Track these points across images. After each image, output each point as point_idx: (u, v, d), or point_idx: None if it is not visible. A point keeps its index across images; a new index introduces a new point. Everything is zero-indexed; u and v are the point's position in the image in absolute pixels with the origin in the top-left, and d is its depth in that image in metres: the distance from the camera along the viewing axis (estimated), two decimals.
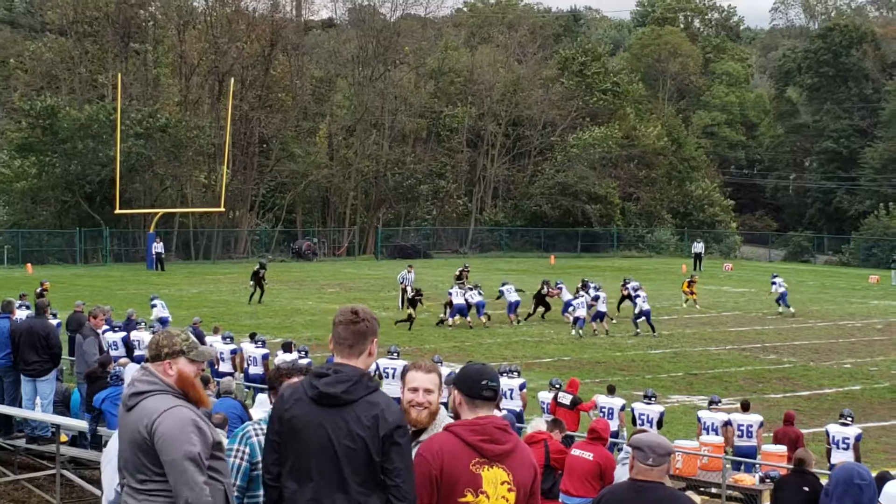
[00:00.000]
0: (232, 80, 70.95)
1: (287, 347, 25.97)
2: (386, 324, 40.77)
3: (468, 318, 41.27)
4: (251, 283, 47.75)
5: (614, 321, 42.54)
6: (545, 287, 43.97)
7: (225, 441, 6.90)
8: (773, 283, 49.79)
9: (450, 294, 42.19)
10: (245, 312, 43.96)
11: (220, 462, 6.47)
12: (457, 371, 6.52)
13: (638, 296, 41.70)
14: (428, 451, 6.11)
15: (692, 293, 49.86)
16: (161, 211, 69.37)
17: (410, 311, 41.58)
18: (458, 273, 49.87)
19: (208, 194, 74.20)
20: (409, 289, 46.30)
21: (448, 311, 41.60)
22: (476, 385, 6.27)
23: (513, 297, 43.20)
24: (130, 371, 9.23)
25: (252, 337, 27.86)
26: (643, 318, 40.45)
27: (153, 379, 6.48)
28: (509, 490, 6.15)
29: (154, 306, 35.87)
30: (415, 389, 6.58)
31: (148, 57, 76.10)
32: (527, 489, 6.26)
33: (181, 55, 77.30)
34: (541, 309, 43.70)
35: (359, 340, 6.26)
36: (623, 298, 44.60)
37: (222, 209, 69.89)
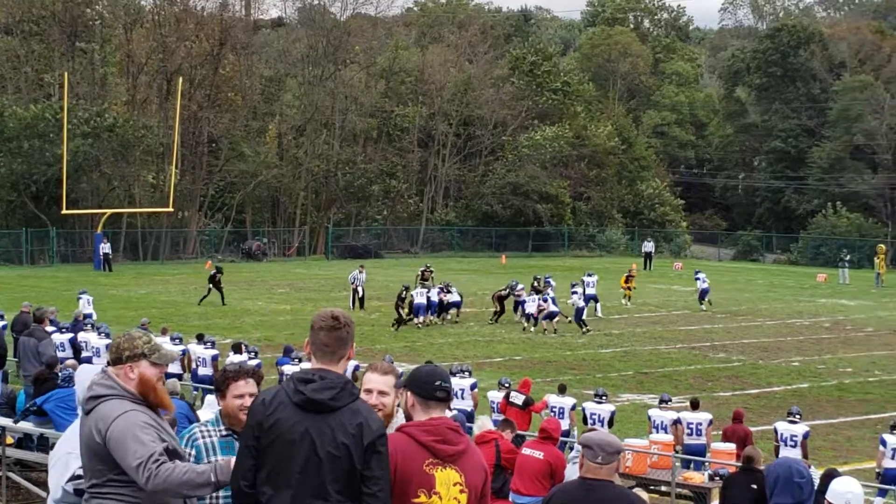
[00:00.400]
0: (180, 79, 70.51)
1: (237, 348, 25.80)
2: None
3: (421, 319, 41.21)
4: (209, 286, 47.31)
5: (568, 319, 42.48)
6: (508, 290, 43.97)
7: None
8: (697, 279, 50.24)
9: (412, 294, 42.16)
10: (194, 313, 43.69)
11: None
12: (408, 373, 6.45)
13: (575, 293, 41.79)
14: None
15: (629, 288, 50.07)
16: (108, 211, 68.82)
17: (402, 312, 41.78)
18: (420, 273, 49.69)
19: (156, 194, 73.70)
20: (360, 289, 46.24)
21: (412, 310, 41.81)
22: (429, 386, 6.23)
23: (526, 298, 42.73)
24: (82, 374, 9.09)
25: (199, 338, 27.66)
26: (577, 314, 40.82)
27: (111, 383, 6.38)
28: (461, 491, 6.12)
29: (80, 299, 35.73)
30: (369, 391, 6.55)
31: (95, 56, 75.42)
32: (478, 491, 6.23)
33: (129, 54, 76.75)
34: (497, 308, 43.60)
35: (340, 346, 6.16)
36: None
37: (171, 209, 69.47)
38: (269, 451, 6.00)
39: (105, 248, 64.29)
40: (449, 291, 43.26)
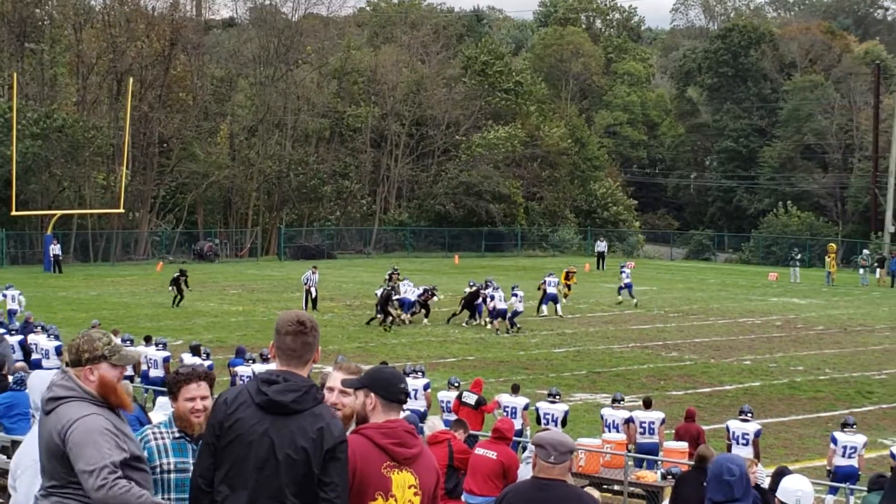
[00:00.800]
0: (131, 79, 70.02)
1: (196, 350, 25.71)
2: None
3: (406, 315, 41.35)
4: (171, 287, 46.96)
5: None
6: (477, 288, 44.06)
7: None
8: (622, 272, 50.64)
9: (377, 293, 42.17)
10: (145, 315, 43.42)
11: (141, 474, 6.28)
12: (368, 373, 6.40)
13: (515, 295, 41.71)
14: None
15: (568, 286, 50.22)
16: (59, 212, 68.25)
17: (397, 312, 42.01)
18: (388, 276, 49.30)
19: (107, 195, 73.19)
20: (313, 289, 46.09)
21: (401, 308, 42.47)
22: (394, 389, 6.26)
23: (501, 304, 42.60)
24: (35, 378, 8.96)
25: (147, 340, 27.50)
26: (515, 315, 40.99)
27: (71, 385, 6.29)
28: (415, 494, 6.14)
29: (4, 297, 35.48)
30: (331, 389, 6.57)
31: (44, 56, 74.80)
32: (430, 493, 6.26)
33: (78, 55, 76.18)
34: (466, 312, 43.43)
35: (306, 350, 6.16)
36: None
37: (121, 210, 69.04)
38: (228, 450, 5.97)
39: (55, 249, 63.74)
40: (433, 295, 43.59)
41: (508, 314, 40.84)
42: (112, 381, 6.36)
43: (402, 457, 6.10)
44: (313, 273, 46.73)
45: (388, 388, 6.26)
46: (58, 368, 6.53)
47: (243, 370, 24.08)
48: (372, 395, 6.25)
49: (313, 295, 46.15)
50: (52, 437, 6.15)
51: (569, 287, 50.32)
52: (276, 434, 5.90)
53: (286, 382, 5.98)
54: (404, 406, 6.54)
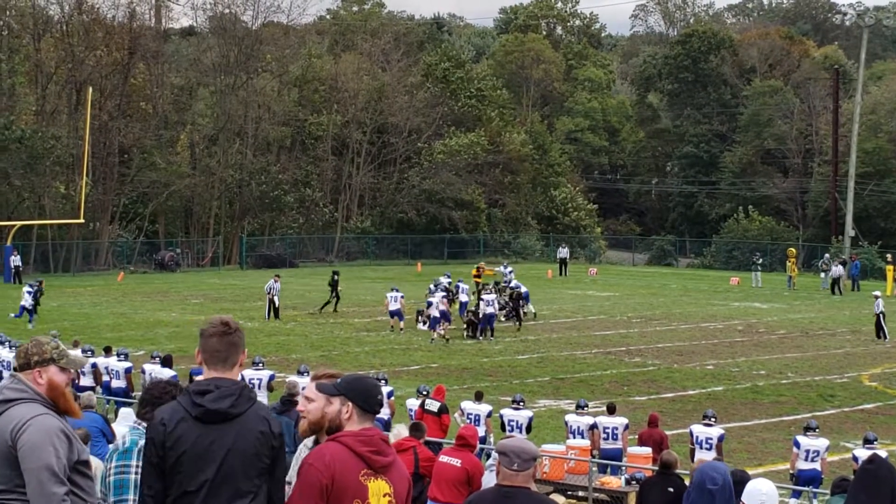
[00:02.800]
0: (90, 89, 69.62)
1: (167, 362, 25.62)
2: (252, 334, 40.36)
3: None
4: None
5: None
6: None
7: (93, 460, 6.64)
8: (506, 272, 50.94)
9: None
10: (106, 325, 43.17)
11: (86, 480, 6.24)
12: (347, 381, 6.36)
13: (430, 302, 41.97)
14: (319, 461, 6.00)
15: (478, 284, 50.41)
16: (18, 223, 67.77)
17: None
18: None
19: (67, 206, 72.69)
20: (275, 299, 45.94)
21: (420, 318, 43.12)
22: (372, 399, 6.26)
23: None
24: None
25: (107, 351, 27.31)
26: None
27: (22, 387, 6.25)
28: (390, 502, 6.15)
29: None
30: (304, 397, 6.57)
31: (2, 66, 74.28)
32: (403, 502, 6.27)
33: (37, 64, 75.71)
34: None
35: (232, 352, 6.14)
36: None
37: (81, 221, 68.59)
38: (176, 469, 5.91)
39: (15, 260, 63.24)
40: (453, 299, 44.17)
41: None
42: (60, 385, 6.34)
43: (378, 465, 6.09)
44: (276, 282, 46.55)
45: (367, 398, 6.24)
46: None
47: None
48: (349, 403, 6.22)
49: (276, 304, 45.99)
50: (3, 438, 6.08)
51: (478, 285, 49.73)
52: (219, 443, 5.87)
53: (218, 389, 5.95)
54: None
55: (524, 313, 45.47)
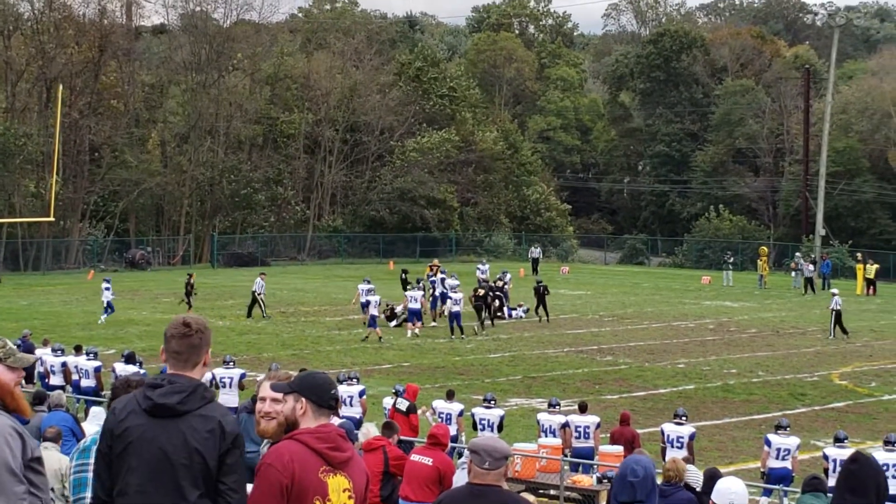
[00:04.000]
0: (60, 86, 69.10)
1: (130, 359, 25.47)
2: (223, 333, 40.25)
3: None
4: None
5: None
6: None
7: (61, 457, 6.57)
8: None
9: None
10: (76, 324, 42.97)
11: (39, 477, 6.14)
12: (299, 378, 6.34)
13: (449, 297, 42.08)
14: (278, 461, 5.95)
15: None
16: None
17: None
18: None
19: (37, 204, 72.25)
20: (262, 296, 45.84)
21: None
22: (325, 394, 6.21)
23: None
24: None
25: (77, 349, 27.18)
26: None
27: None
28: (350, 497, 6.12)
29: None
30: (263, 399, 6.57)
31: None
32: (362, 496, 6.25)
33: (7, 61, 75.24)
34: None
35: (193, 352, 6.12)
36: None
37: (52, 219, 68.03)
38: (122, 458, 5.94)
39: None
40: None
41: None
42: (8, 384, 6.23)
43: (336, 461, 6.06)
44: (261, 280, 46.55)
45: (320, 393, 6.21)
46: None
47: None
48: (303, 399, 6.19)
49: (260, 302, 45.98)
50: None
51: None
52: (166, 438, 5.87)
53: (171, 385, 5.96)
54: (339, 412, 6.48)
55: (499, 314, 45.78)
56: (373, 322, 40.06)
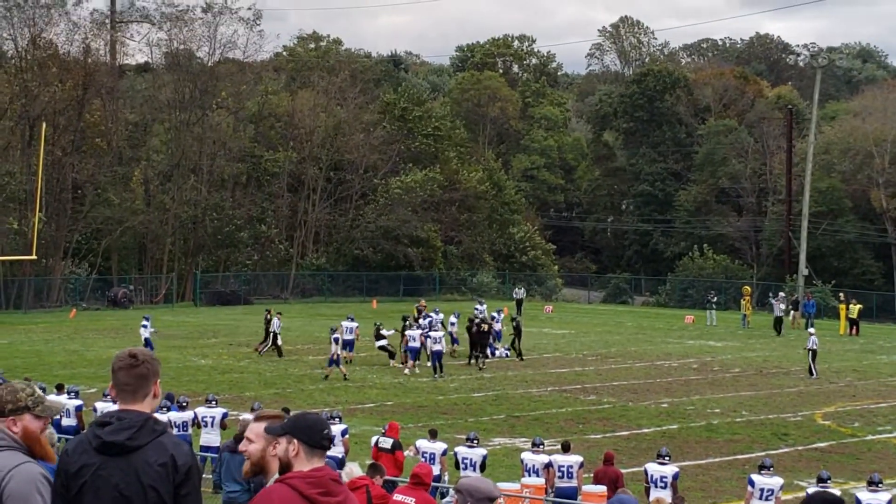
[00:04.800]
0: (44, 124, 69.04)
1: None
2: (205, 372, 40.08)
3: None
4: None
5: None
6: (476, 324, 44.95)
7: None
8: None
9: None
10: (58, 362, 42.75)
11: None
12: (291, 419, 6.26)
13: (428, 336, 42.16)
14: None
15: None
16: None
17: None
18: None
19: (20, 241, 72.00)
20: (277, 334, 45.75)
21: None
22: (317, 435, 6.09)
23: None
24: None
25: (59, 388, 27.03)
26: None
27: (1, 434, 6.11)
28: None
29: None
30: (248, 438, 6.51)
31: None
32: None
33: None
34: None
35: (141, 384, 6.03)
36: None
37: (34, 257, 67.80)
38: (78, 498, 5.87)
39: None
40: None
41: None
42: (35, 433, 6.23)
43: None
44: (272, 316, 46.50)
45: (311, 434, 6.10)
46: None
47: (176, 416, 24.03)
48: (295, 441, 6.10)
49: (278, 341, 45.85)
50: None
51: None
52: (119, 476, 5.80)
53: (119, 421, 5.88)
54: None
55: (492, 353, 45.88)
56: (335, 361, 39.81)
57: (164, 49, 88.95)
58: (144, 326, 44.77)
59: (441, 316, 47.79)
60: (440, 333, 42.31)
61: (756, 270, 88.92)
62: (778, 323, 61.38)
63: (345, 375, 39.38)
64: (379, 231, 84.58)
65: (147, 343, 43.39)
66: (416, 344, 41.80)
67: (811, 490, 18.98)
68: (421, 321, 45.95)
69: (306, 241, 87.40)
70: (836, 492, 19.05)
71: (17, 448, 6.12)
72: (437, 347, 41.22)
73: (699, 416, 33.53)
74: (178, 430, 23.47)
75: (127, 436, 5.82)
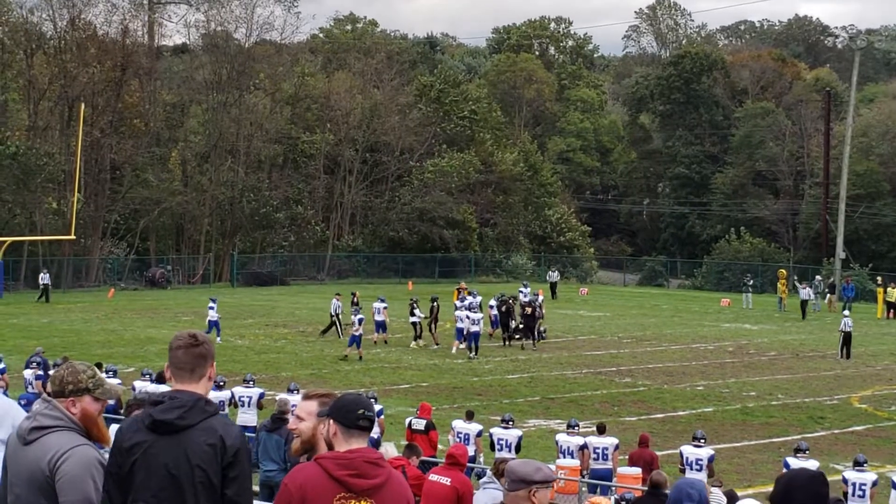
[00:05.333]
0: (82, 105, 69.60)
1: (161, 379, 25.58)
2: (241, 352, 40.32)
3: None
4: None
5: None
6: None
7: None
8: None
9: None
10: (97, 342, 43.06)
11: None
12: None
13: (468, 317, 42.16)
14: (292, 483, 5.92)
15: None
16: (9, 239, 67.57)
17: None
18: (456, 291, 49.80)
19: (59, 222, 72.54)
20: (340, 317, 45.43)
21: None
22: (352, 415, 6.10)
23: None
24: None
25: (97, 367, 27.23)
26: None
27: (58, 414, 6.16)
28: None
29: None
30: (294, 416, 6.56)
31: None
32: None
33: (30, 80, 75.67)
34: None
35: (199, 364, 6.07)
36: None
37: (73, 237, 68.42)
38: (129, 477, 5.91)
39: (45, 278, 62.35)
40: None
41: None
42: (93, 415, 6.28)
43: (359, 488, 5.94)
44: (338, 300, 46.03)
45: (346, 414, 6.11)
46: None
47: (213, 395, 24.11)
48: (331, 421, 6.16)
49: (340, 323, 45.47)
50: (39, 467, 6.00)
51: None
52: (168, 454, 5.83)
53: (172, 400, 5.93)
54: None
55: (540, 332, 45.89)
56: (355, 340, 39.91)
57: (201, 30, 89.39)
58: (211, 308, 44.44)
59: (480, 298, 47.81)
60: (479, 315, 42.40)
61: (793, 254, 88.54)
62: (804, 306, 61.01)
63: (360, 356, 39.54)
64: (414, 213, 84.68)
65: (213, 325, 43.32)
66: (465, 325, 41.84)
67: (791, 462, 19.06)
68: (462, 302, 45.54)
69: (342, 223, 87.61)
70: (815, 464, 19.23)
71: (75, 429, 6.16)
72: (475, 329, 41.32)
73: (735, 398, 33.50)
74: None
75: (177, 414, 5.86)
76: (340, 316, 45.56)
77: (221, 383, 24.91)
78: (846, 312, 45.82)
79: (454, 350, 41.80)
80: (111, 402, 23.20)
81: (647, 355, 43.04)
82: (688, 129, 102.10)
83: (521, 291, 54.72)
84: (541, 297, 50.79)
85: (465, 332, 41.98)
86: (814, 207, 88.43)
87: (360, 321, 39.73)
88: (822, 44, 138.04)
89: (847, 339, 43.21)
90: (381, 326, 43.39)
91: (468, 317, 41.84)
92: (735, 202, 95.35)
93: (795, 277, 68.46)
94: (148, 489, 5.85)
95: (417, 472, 15.26)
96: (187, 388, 6.03)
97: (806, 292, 61.64)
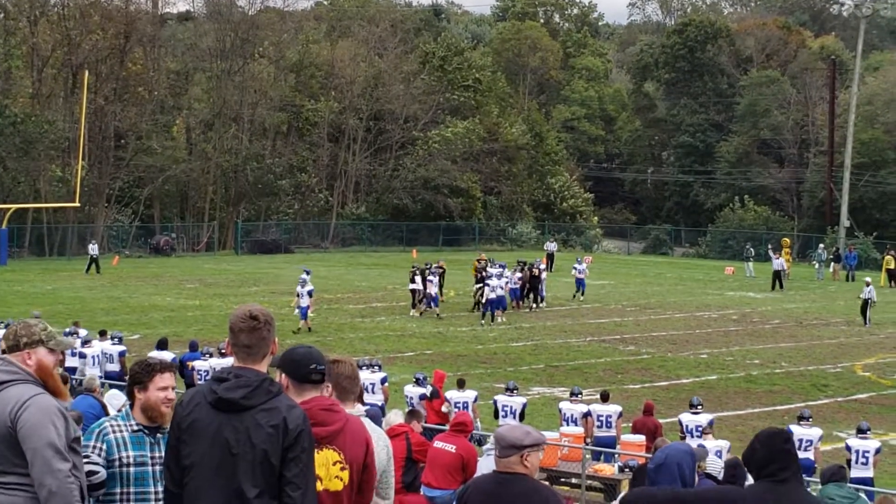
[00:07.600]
0: (86, 72, 69.50)
1: (163, 345, 25.72)
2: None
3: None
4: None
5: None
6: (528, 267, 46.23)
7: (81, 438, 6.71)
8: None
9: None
10: (101, 309, 43.14)
11: (78, 457, 6.31)
12: (281, 354, 6.37)
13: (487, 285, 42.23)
14: None
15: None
16: (13, 206, 67.61)
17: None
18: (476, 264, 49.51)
19: (63, 189, 72.52)
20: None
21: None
22: (304, 369, 6.24)
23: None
24: None
25: (102, 334, 27.32)
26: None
27: (14, 369, 6.32)
28: (342, 469, 6.18)
29: None
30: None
31: None
32: (359, 464, 6.28)
33: (33, 47, 75.53)
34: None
35: (261, 345, 6.08)
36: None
37: (77, 204, 68.41)
38: (189, 451, 5.95)
39: (94, 249, 60.68)
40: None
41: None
42: (49, 366, 6.42)
43: (319, 436, 6.07)
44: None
45: (297, 368, 6.25)
46: None
47: (200, 364, 24.20)
48: (282, 375, 6.25)
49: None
50: (1, 420, 6.13)
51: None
52: (230, 432, 5.84)
53: (237, 379, 5.92)
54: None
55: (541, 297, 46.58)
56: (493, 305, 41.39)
57: None
58: (303, 282, 39.43)
59: (505, 264, 47.92)
60: (501, 281, 42.48)
61: (797, 222, 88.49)
62: (775, 276, 59.50)
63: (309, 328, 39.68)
64: (418, 181, 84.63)
65: (303, 314, 38.95)
66: (497, 294, 41.80)
67: (794, 430, 19.14)
68: (489, 271, 44.64)
69: (346, 191, 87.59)
70: (819, 432, 19.51)
71: (32, 381, 6.30)
72: (492, 296, 41.44)
73: (738, 366, 33.57)
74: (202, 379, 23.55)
75: (242, 394, 5.87)
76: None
77: (224, 351, 24.83)
78: (868, 279, 45.88)
79: (500, 319, 41.86)
80: (115, 368, 23.21)
81: (651, 323, 43.11)
82: (692, 98, 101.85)
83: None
84: (584, 265, 51.20)
85: (504, 301, 42.74)
86: (818, 176, 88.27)
87: (310, 293, 39.30)
88: (828, 11, 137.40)
89: (867, 305, 43.56)
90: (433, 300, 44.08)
91: (488, 284, 41.73)
92: (739, 171, 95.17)
93: (770, 246, 67.97)
94: (208, 466, 5.88)
95: (421, 439, 15.29)
96: (251, 367, 6.03)
97: (779, 262, 60.16)
